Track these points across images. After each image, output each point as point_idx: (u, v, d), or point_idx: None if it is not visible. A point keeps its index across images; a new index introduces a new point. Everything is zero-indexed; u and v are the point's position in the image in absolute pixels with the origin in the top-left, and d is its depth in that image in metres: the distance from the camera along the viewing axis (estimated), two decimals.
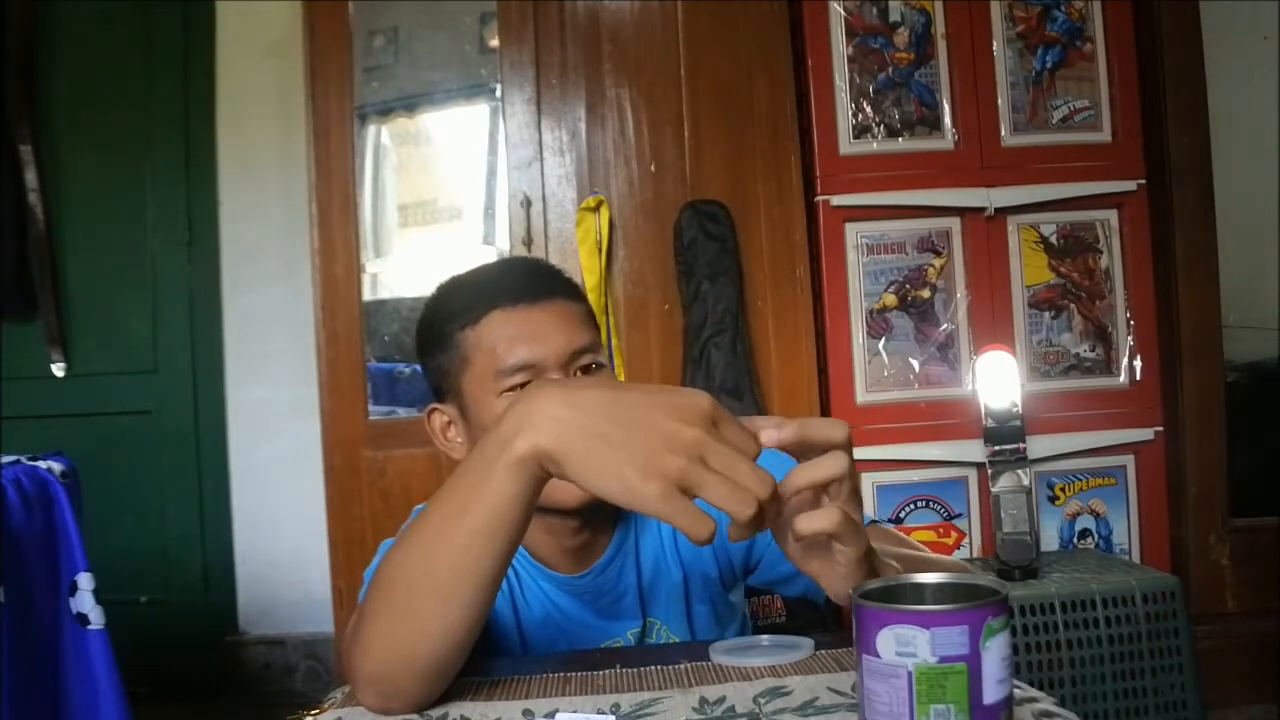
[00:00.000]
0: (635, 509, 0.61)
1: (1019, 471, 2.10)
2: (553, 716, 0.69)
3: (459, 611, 0.68)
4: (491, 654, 0.98)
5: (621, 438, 0.60)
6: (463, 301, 0.97)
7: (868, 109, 2.30)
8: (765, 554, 1.02)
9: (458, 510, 0.67)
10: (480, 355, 0.94)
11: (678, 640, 1.02)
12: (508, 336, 0.93)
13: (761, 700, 0.70)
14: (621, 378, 2.24)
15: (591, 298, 2.24)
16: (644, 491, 0.59)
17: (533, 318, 0.93)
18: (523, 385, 0.92)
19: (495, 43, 2.38)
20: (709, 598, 1.04)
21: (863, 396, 2.27)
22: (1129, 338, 2.31)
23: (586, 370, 0.95)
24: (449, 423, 1.00)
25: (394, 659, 0.69)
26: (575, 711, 0.70)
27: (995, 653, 0.53)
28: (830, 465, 0.64)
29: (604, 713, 0.69)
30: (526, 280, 0.97)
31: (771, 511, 0.63)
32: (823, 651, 0.80)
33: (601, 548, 1.00)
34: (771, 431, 0.64)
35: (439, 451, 1.03)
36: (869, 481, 2.23)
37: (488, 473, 0.65)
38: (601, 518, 0.99)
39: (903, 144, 2.30)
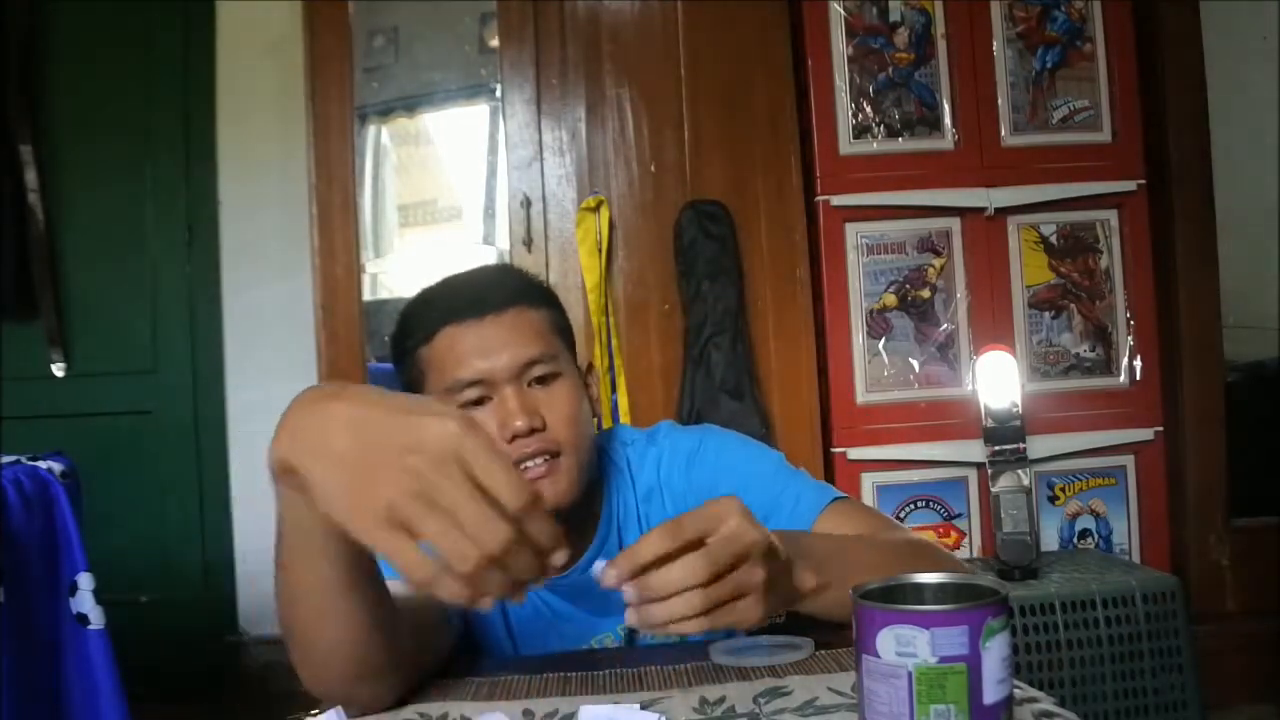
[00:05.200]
0: (358, 539, 0.55)
1: (1019, 471, 2.10)
2: (555, 715, 0.69)
3: (347, 626, 0.68)
4: (482, 654, 0.98)
5: (349, 459, 0.55)
6: (419, 318, 0.98)
7: (868, 109, 2.30)
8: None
9: (280, 535, 0.66)
10: (434, 372, 0.95)
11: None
12: (457, 352, 0.93)
13: (761, 700, 0.70)
14: (621, 378, 2.24)
15: (591, 298, 2.24)
16: (355, 522, 0.54)
17: (483, 332, 0.93)
18: (476, 401, 0.93)
19: (495, 43, 2.38)
20: None
21: (863, 396, 2.26)
22: (1129, 338, 2.31)
23: (542, 381, 0.94)
24: None
25: (328, 680, 0.72)
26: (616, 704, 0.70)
27: (995, 653, 0.54)
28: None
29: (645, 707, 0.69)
30: (480, 292, 0.97)
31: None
32: (823, 651, 0.80)
33: (586, 545, 1.00)
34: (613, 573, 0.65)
35: None
36: (870, 482, 2.23)
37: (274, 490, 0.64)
38: (583, 516, 0.99)
39: (903, 144, 2.30)
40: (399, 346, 1.00)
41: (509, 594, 0.56)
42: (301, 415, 0.58)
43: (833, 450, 2.23)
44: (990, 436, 2.14)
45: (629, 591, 0.64)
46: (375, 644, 0.70)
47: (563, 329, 1.01)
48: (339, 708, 0.72)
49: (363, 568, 0.67)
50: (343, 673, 0.71)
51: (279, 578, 0.69)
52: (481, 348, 0.93)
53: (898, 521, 0.97)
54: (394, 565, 0.54)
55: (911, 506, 2.24)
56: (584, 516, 0.99)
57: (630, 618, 0.65)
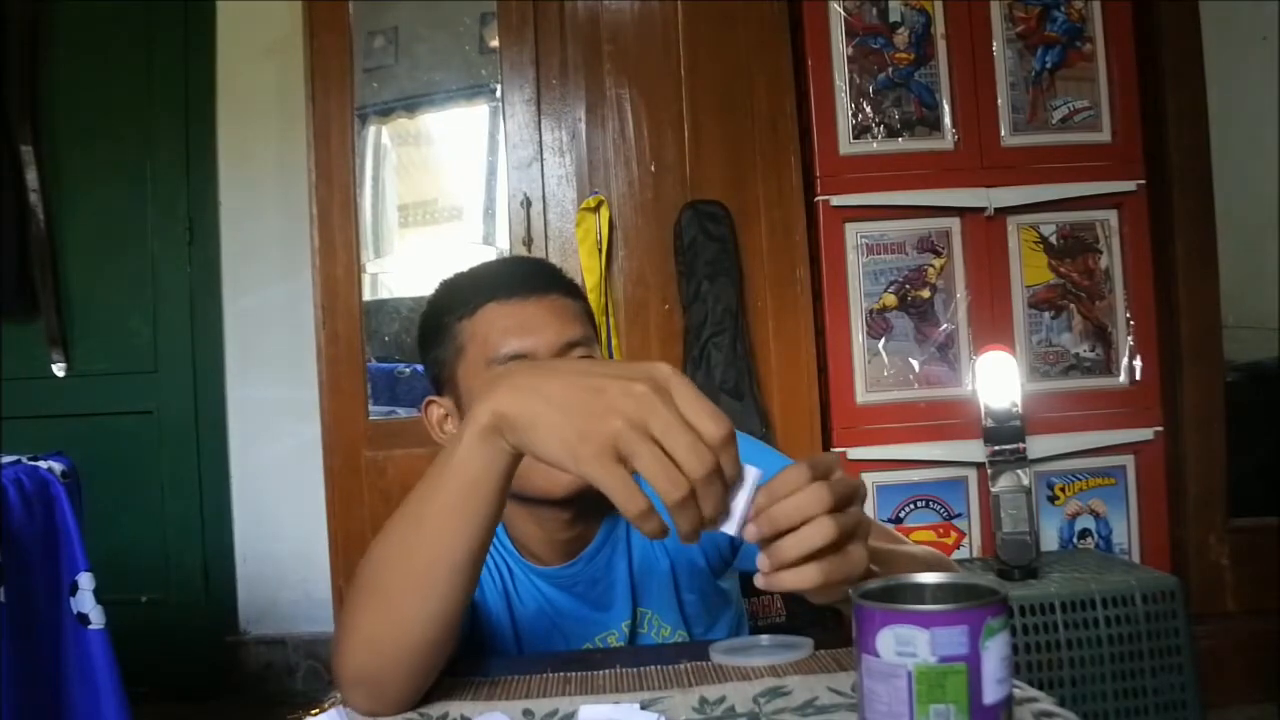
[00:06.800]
0: (573, 472, 0.60)
1: (1019, 471, 2.10)
2: (555, 715, 0.69)
3: (439, 602, 0.69)
4: (486, 652, 0.98)
5: (569, 401, 0.60)
6: (460, 295, 0.99)
7: (868, 109, 2.30)
8: (745, 542, 1.02)
9: (430, 491, 0.68)
10: (474, 345, 0.96)
11: (670, 629, 1.03)
12: (501, 327, 0.94)
13: (761, 700, 0.70)
14: None
15: (591, 298, 2.24)
16: (579, 453, 0.59)
17: (526, 310, 0.95)
18: None
19: (495, 43, 2.38)
20: (698, 586, 1.05)
21: (863, 396, 2.27)
22: (1129, 338, 2.31)
23: None
24: (445, 415, 1.01)
25: (377, 657, 0.70)
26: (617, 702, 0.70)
27: (995, 652, 0.54)
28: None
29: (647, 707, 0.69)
30: (524, 276, 0.99)
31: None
32: (823, 651, 0.80)
33: (591, 536, 1.01)
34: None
35: (439, 449, 1.03)
36: (869, 482, 2.23)
37: (456, 447, 0.66)
38: (591, 510, 0.99)
39: (903, 144, 2.30)
40: (434, 321, 1.00)
41: (693, 530, 0.60)
42: (520, 376, 0.65)
43: (833, 450, 2.24)
44: (990, 436, 2.14)
45: (759, 529, 0.62)
46: (450, 635, 0.71)
47: (593, 323, 1.03)
48: (340, 707, 0.71)
49: (482, 551, 0.70)
50: (411, 661, 0.70)
51: (398, 545, 0.69)
52: (526, 325, 0.94)
53: (904, 537, 0.96)
54: (614, 496, 0.59)
55: (911, 506, 2.25)
56: (592, 507, 0.99)
57: (762, 563, 0.63)
